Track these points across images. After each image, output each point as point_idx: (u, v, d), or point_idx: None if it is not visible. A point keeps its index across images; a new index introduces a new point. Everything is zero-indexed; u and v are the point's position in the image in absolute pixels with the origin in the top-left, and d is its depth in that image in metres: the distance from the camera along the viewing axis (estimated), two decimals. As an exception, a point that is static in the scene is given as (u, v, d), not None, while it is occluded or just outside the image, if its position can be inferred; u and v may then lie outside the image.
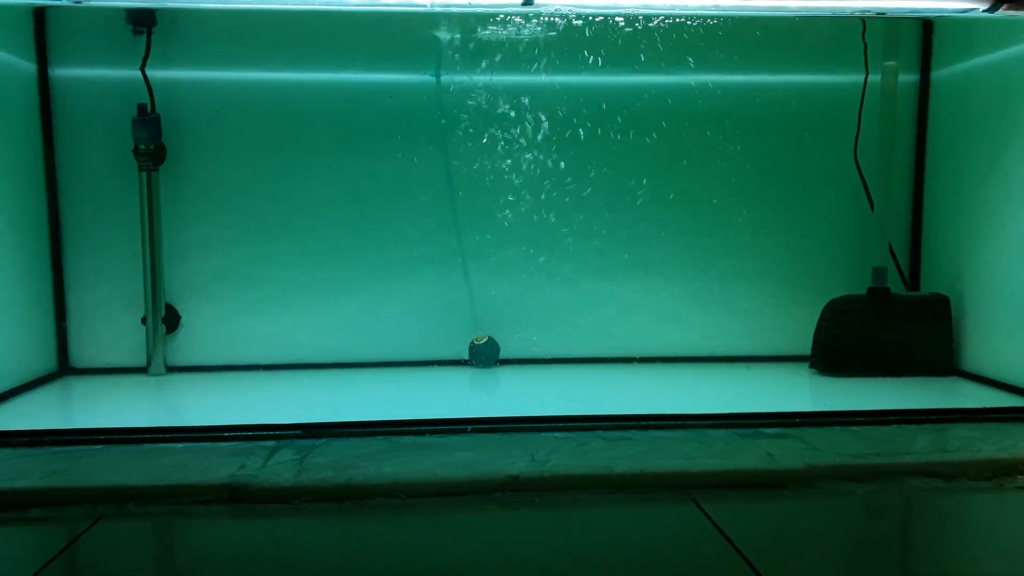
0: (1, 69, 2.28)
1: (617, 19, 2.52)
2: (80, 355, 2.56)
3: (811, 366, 2.56)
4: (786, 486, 1.62)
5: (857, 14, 2.03)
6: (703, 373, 2.57)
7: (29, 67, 2.41)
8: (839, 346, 2.50)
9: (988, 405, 2.11)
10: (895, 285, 2.61)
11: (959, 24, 2.51)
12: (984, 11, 1.91)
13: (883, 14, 2.03)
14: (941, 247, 2.63)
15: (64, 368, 2.54)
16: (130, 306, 2.52)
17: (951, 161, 2.57)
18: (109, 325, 2.54)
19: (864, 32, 2.59)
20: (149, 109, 2.45)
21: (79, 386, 2.41)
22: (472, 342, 2.63)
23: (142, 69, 2.45)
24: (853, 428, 1.91)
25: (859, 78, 2.62)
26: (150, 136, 2.43)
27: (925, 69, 2.66)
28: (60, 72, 2.45)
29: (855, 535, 1.47)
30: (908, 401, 2.18)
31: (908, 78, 2.65)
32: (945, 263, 2.60)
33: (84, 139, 2.49)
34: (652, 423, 1.91)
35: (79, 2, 1.86)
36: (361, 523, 1.47)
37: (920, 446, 1.79)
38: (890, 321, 2.51)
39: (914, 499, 1.60)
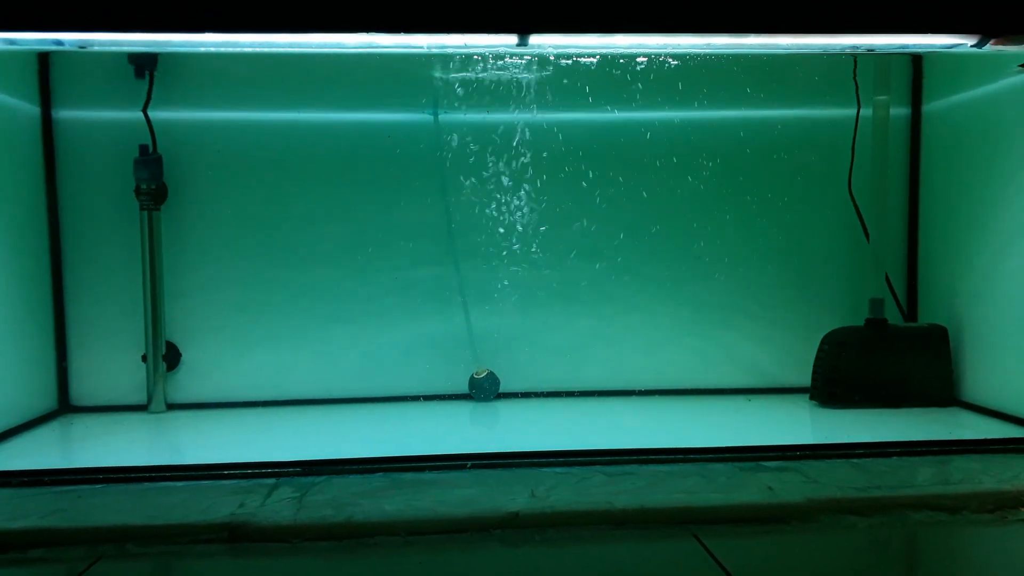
0: (5, 112, 2.32)
1: (609, 58, 2.56)
2: (80, 393, 2.56)
3: (811, 398, 2.56)
4: (787, 520, 1.61)
5: (847, 51, 2.07)
6: (703, 406, 2.56)
7: (33, 109, 2.45)
8: (839, 378, 2.50)
9: (989, 436, 2.11)
10: (893, 316, 2.62)
11: (949, 58, 2.55)
12: (972, 46, 1.94)
13: (873, 50, 2.07)
14: (938, 277, 2.64)
15: (65, 406, 2.54)
16: (131, 344, 2.53)
17: (945, 192, 2.59)
18: (110, 363, 2.55)
19: (855, 67, 2.63)
20: (151, 150, 2.48)
21: (78, 424, 2.40)
22: (472, 376, 2.63)
23: (144, 110, 2.48)
24: (854, 460, 1.90)
25: (851, 112, 2.66)
26: (151, 176, 2.46)
27: (916, 102, 2.70)
28: (63, 114, 2.49)
29: (858, 569, 1.47)
30: (909, 433, 2.17)
31: (900, 111, 2.69)
32: (942, 293, 2.62)
33: (86, 179, 2.51)
34: (653, 457, 1.91)
35: (83, 47, 1.89)
36: (361, 562, 1.47)
37: (922, 478, 1.78)
38: (889, 352, 2.51)
39: (917, 532, 1.59)
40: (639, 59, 2.57)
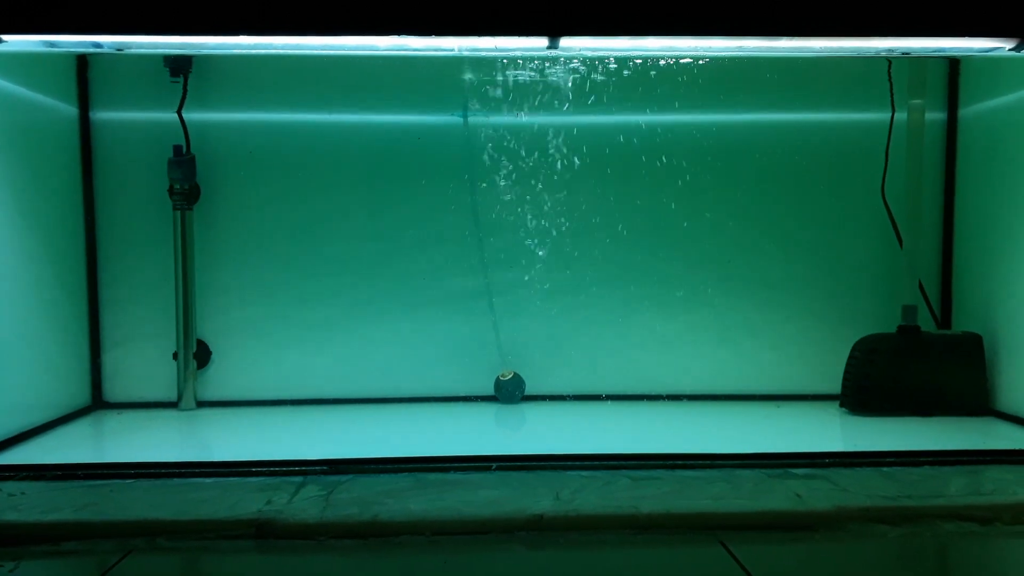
0: (45, 113, 2.37)
1: (640, 60, 2.55)
2: (113, 390, 2.60)
3: (841, 405, 2.53)
4: (815, 528, 1.59)
5: (882, 54, 2.04)
6: (731, 412, 2.54)
7: (71, 110, 2.50)
8: (869, 385, 2.47)
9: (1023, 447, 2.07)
10: (926, 323, 2.58)
11: (986, 62, 2.50)
12: (1010, 50, 1.91)
13: (908, 54, 2.04)
14: (973, 285, 2.60)
15: (97, 402, 2.59)
16: (163, 342, 2.57)
17: (981, 197, 2.55)
18: (142, 360, 2.59)
19: (890, 71, 2.59)
20: (184, 150, 2.52)
21: (111, 420, 2.45)
22: (498, 378, 2.64)
23: (178, 112, 2.52)
24: (884, 469, 1.88)
25: (886, 116, 2.63)
26: (185, 176, 2.50)
27: (952, 107, 2.65)
28: (100, 115, 2.54)
29: (887, 580, 1.45)
30: (941, 442, 2.14)
31: (935, 116, 2.65)
32: (977, 301, 2.57)
33: (121, 179, 2.56)
34: (679, 462, 1.90)
35: (121, 49, 1.93)
36: (386, 561, 1.47)
37: (954, 488, 1.75)
38: (921, 360, 2.47)
39: (948, 543, 1.56)
40: (664, 61, 2.56)
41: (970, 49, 1.98)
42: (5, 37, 1.78)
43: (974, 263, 2.59)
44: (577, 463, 1.89)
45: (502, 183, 2.62)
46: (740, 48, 1.97)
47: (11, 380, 2.17)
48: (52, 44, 1.88)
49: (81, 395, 2.54)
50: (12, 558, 1.47)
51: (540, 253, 2.64)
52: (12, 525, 1.56)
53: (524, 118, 2.59)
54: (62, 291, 2.44)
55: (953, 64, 2.64)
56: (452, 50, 1.94)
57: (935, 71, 2.64)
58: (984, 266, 2.53)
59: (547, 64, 2.54)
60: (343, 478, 1.80)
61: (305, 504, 1.64)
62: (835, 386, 2.55)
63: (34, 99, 2.31)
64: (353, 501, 1.66)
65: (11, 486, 1.76)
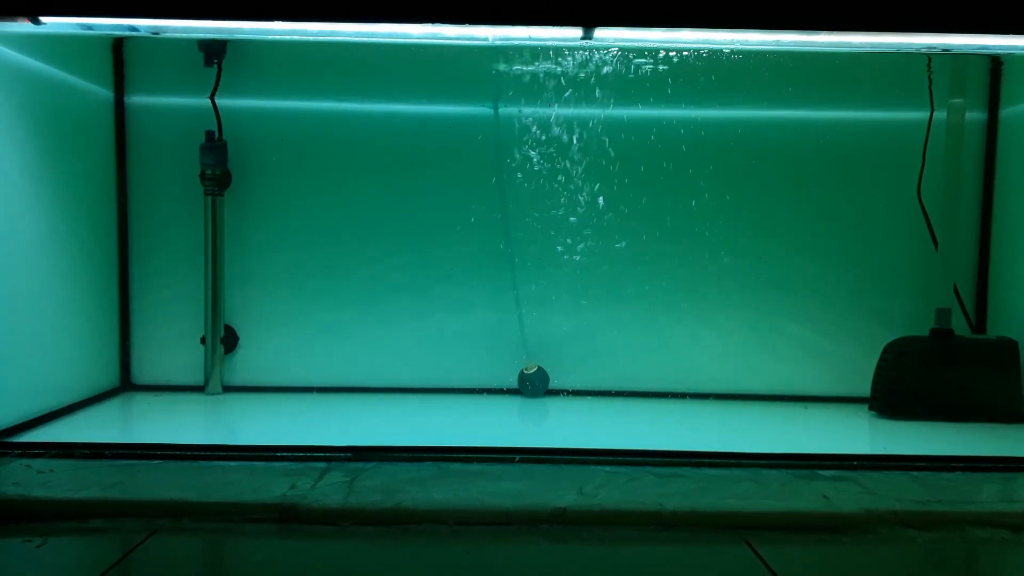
0: (81, 96, 2.40)
1: (674, 54, 2.53)
2: (141, 372, 2.63)
3: (870, 408, 2.49)
4: (843, 531, 1.57)
5: (923, 51, 2.00)
6: (759, 411, 2.51)
7: (107, 94, 2.52)
8: (900, 388, 2.42)
9: (1059, 455, 2.02)
10: (960, 327, 2.53)
11: (1030, 62, 2.45)
12: (1057, 48, 1.87)
13: (948, 51, 1.99)
14: (1010, 289, 2.54)
15: (126, 384, 2.62)
16: (191, 326, 2.59)
17: (1021, 200, 2.49)
18: (170, 344, 2.62)
19: (930, 68, 2.54)
20: (217, 136, 2.54)
21: (140, 402, 2.47)
22: (522, 371, 2.63)
23: (211, 98, 2.54)
24: (914, 473, 1.84)
25: (924, 115, 2.58)
26: (216, 162, 2.52)
27: (993, 106, 2.60)
28: (135, 99, 2.56)
29: (916, 585, 1.42)
30: (973, 448, 2.09)
31: (975, 116, 2.59)
32: (1014, 306, 2.52)
33: (154, 164, 2.58)
34: (705, 461, 1.88)
35: (156, 33, 1.94)
36: (408, 549, 1.47)
37: (986, 495, 1.71)
38: (954, 364, 2.43)
39: (979, 550, 1.53)
40: (696, 53, 2.53)
41: (1013, 47, 1.94)
42: (43, 19, 1.80)
43: (1012, 267, 2.53)
44: (601, 458, 1.88)
45: (531, 175, 2.61)
46: (777, 42, 1.94)
47: (43, 361, 2.20)
48: (89, 27, 1.90)
49: (110, 377, 2.57)
50: (40, 534, 1.49)
51: (566, 248, 2.63)
52: (41, 501, 1.58)
53: (553, 110, 2.58)
54: (94, 274, 2.47)
55: (995, 63, 2.59)
56: (486, 39, 1.93)
57: (976, 69, 2.58)
58: (1022, 270, 2.47)
59: (584, 55, 2.53)
60: (367, 465, 1.81)
61: (329, 490, 1.64)
62: (865, 389, 2.51)
63: (70, 82, 2.34)
64: (376, 488, 1.66)
65: (40, 463, 1.79)
